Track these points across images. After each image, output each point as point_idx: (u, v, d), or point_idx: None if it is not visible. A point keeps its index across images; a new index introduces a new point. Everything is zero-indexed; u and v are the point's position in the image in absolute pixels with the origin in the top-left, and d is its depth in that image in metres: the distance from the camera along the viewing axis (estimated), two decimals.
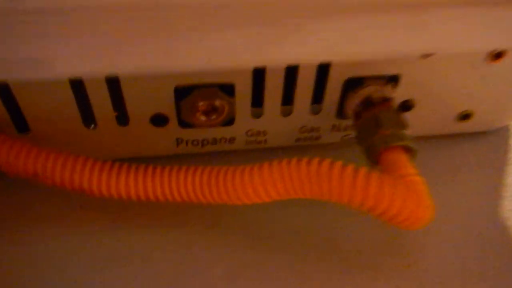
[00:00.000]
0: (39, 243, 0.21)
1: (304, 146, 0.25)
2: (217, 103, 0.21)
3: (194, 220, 0.22)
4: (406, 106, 0.23)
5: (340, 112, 0.23)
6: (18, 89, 0.19)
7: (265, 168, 0.17)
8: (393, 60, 0.21)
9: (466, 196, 0.24)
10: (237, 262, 0.21)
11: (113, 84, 0.19)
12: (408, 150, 0.20)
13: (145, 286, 0.20)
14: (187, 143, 0.23)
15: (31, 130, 0.21)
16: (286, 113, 0.22)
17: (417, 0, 0.16)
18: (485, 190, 0.24)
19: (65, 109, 0.20)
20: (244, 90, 0.21)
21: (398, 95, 0.22)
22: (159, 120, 0.22)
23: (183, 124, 0.22)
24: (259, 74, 0.20)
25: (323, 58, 0.18)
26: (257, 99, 0.22)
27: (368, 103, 0.21)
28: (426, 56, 0.21)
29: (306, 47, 0.17)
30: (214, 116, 0.21)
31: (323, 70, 0.21)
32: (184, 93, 0.20)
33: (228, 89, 0.21)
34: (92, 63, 0.16)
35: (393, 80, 0.22)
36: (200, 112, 0.21)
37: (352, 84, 0.21)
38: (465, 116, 0.24)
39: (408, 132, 0.20)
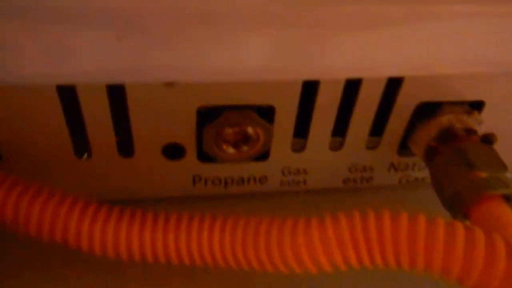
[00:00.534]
0: None
1: (350, 190, 0.20)
2: (251, 130, 0.16)
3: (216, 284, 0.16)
4: (487, 141, 0.18)
5: (404, 147, 0.18)
6: None
7: (328, 224, 0.12)
8: (478, 81, 0.16)
9: None
10: None
11: (117, 98, 0.14)
12: (509, 200, 0.15)
13: None
14: (206, 182, 0.18)
15: (1, 158, 0.16)
16: (336, 147, 0.18)
17: None
18: None
19: (49, 131, 0.15)
20: (286, 115, 0.16)
21: (481, 127, 0.17)
22: (173, 151, 0.16)
23: (204, 157, 0.17)
24: (308, 94, 0.15)
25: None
26: (301, 127, 0.17)
27: (446, 136, 0.16)
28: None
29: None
30: (245, 148, 0.16)
31: (391, 89, 0.16)
32: (209, 116, 0.15)
33: (265, 113, 0.16)
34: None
35: (477, 107, 0.17)
36: (228, 142, 0.16)
37: (425, 110, 0.17)
38: None
39: (509, 175, 0.15)
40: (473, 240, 0.12)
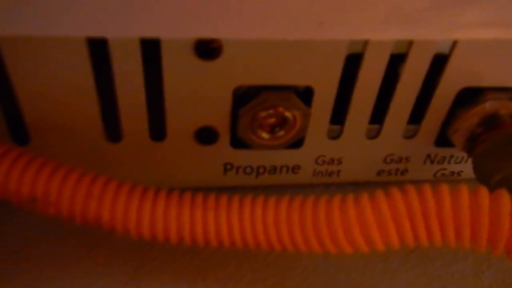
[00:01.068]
0: None
1: (383, 183, 0.19)
2: (288, 114, 0.15)
3: (250, 276, 0.16)
4: None
5: (442, 137, 0.17)
6: (20, 82, 0.14)
7: (381, 199, 0.11)
8: None
9: None
10: None
11: (153, 75, 0.14)
12: None
13: None
14: (237, 171, 0.17)
15: (31, 140, 0.15)
16: (372, 135, 0.17)
17: None
18: None
19: (81, 111, 0.15)
20: (324, 97, 0.15)
21: None
22: (206, 136, 0.16)
23: (237, 143, 0.16)
24: (347, 75, 0.15)
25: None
26: (338, 113, 0.16)
27: (490, 123, 0.16)
28: None
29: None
30: (281, 133, 0.16)
31: (434, 73, 0.15)
32: (245, 98, 0.15)
33: (303, 96, 0.15)
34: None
35: None
36: (263, 126, 0.15)
37: (467, 97, 0.16)
38: None
39: None
40: None
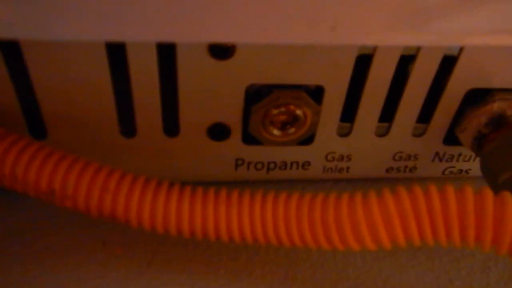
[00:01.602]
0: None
1: (392, 180, 0.19)
2: (299, 111, 0.16)
3: (260, 268, 0.16)
4: None
5: (451, 135, 0.17)
6: (39, 78, 0.14)
7: (388, 198, 0.12)
8: None
9: None
10: None
11: (167, 72, 0.14)
12: None
13: None
14: (248, 166, 0.18)
15: (48, 134, 0.16)
16: (382, 133, 0.17)
17: None
18: None
19: (97, 106, 0.15)
20: (335, 96, 0.16)
21: None
22: (218, 132, 0.16)
23: (249, 139, 0.17)
24: (358, 74, 0.15)
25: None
26: (348, 111, 0.16)
27: (497, 123, 0.16)
28: None
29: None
30: (292, 130, 0.16)
31: (443, 73, 0.15)
32: (257, 96, 0.15)
33: (314, 94, 0.15)
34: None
35: None
36: (274, 123, 0.16)
37: (475, 97, 0.16)
38: None
39: None
40: None
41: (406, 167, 0.19)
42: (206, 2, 0.10)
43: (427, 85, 0.16)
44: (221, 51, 0.14)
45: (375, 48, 0.14)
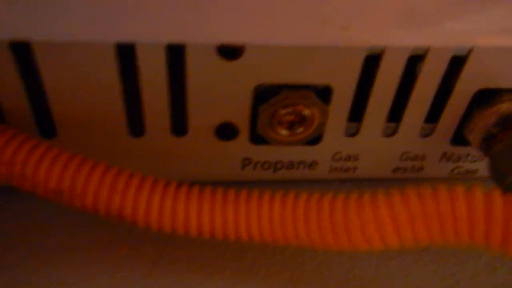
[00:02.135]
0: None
1: (399, 180, 0.19)
2: (307, 111, 0.16)
3: (266, 269, 0.16)
4: None
5: (459, 136, 0.17)
6: (49, 78, 0.14)
7: (396, 199, 0.12)
8: None
9: None
10: None
11: (176, 71, 0.14)
12: None
13: None
14: (255, 166, 0.18)
15: (58, 134, 0.16)
16: (389, 133, 0.17)
17: None
18: None
19: (105, 105, 0.15)
20: (343, 96, 0.16)
21: None
22: (226, 131, 0.16)
23: (256, 138, 0.17)
24: (366, 74, 0.15)
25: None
26: (356, 111, 0.16)
27: (506, 123, 0.16)
28: None
29: None
30: (299, 129, 0.16)
31: (452, 74, 0.15)
32: (264, 96, 0.15)
33: (322, 94, 0.15)
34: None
35: None
36: (282, 123, 0.16)
37: (484, 98, 0.16)
38: None
39: None
40: None
41: (413, 167, 0.19)
42: (217, 3, 0.10)
43: (436, 86, 0.16)
44: (229, 52, 0.14)
45: (383, 48, 0.14)
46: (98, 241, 0.17)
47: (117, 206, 0.14)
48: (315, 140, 0.17)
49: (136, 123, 0.16)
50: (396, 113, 0.17)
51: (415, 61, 0.15)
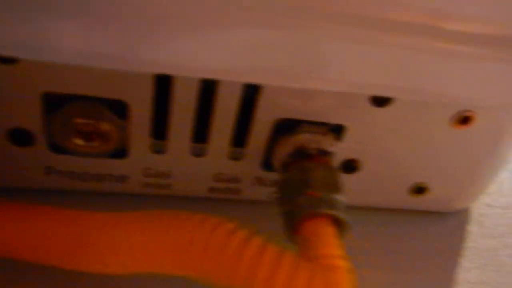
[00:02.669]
0: None
1: (222, 201, 0.19)
2: (103, 125, 0.15)
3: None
4: (350, 167, 0.18)
5: (267, 162, 0.18)
6: None
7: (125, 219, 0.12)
8: (338, 105, 0.16)
9: None
10: None
11: None
12: (339, 223, 0.15)
13: None
14: (60, 175, 0.17)
15: None
16: (198, 153, 0.17)
17: None
18: (430, 285, 0.19)
19: None
20: (141, 112, 0.16)
21: (341, 151, 0.18)
22: (20, 137, 0.16)
23: (54, 147, 0.16)
24: (163, 93, 0.15)
25: None
26: (160, 129, 0.16)
27: (300, 155, 0.16)
28: (381, 104, 0.16)
29: None
30: (96, 143, 0.16)
31: (250, 102, 0.16)
32: (57, 104, 0.15)
33: (119, 108, 0.15)
34: None
35: (337, 131, 0.17)
36: (77, 133, 0.15)
37: (284, 127, 0.17)
38: (419, 190, 0.20)
39: (343, 199, 0.15)
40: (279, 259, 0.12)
41: (229, 189, 0.19)
42: None
43: (234, 110, 0.16)
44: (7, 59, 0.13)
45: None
46: None
47: None
48: (120, 153, 0.17)
49: None
50: (202, 135, 0.17)
51: (210, 85, 0.15)
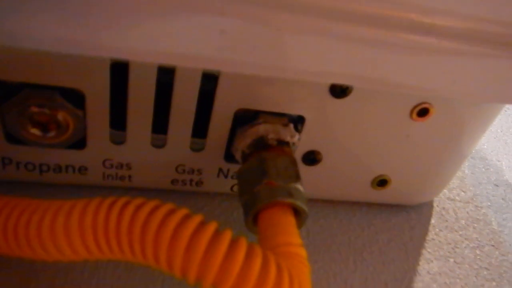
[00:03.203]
0: None
1: (187, 193, 0.19)
2: (59, 115, 0.15)
3: None
4: (311, 159, 0.18)
5: (229, 154, 0.18)
6: None
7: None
8: (298, 96, 0.16)
9: (368, 283, 0.19)
10: None
11: None
12: (298, 212, 0.15)
13: None
14: (18, 166, 0.17)
15: None
16: (158, 144, 0.17)
17: None
18: (392, 276, 0.19)
19: None
20: (98, 103, 0.15)
21: (302, 143, 0.18)
22: None
23: (11, 137, 0.16)
24: (120, 82, 0.15)
25: None
26: (119, 119, 0.16)
27: (260, 145, 0.16)
28: (340, 95, 0.16)
29: None
30: (52, 133, 0.16)
31: (209, 92, 0.16)
32: (10, 92, 0.15)
33: (75, 98, 0.15)
34: None
35: (298, 122, 0.17)
36: (33, 123, 0.15)
37: (244, 118, 0.17)
38: (381, 182, 0.20)
39: (301, 188, 0.15)
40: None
41: (191, 180, 0.19)
42: None
43: (193, 100, 0.16)
44: None
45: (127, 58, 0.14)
46: None
47: None
48: (79, 144, 0.17)
49: None
50: (162, 125, 0.17)
51: (168, 74, 0.15)
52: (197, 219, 0.12)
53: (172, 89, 0.16)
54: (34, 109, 0.15)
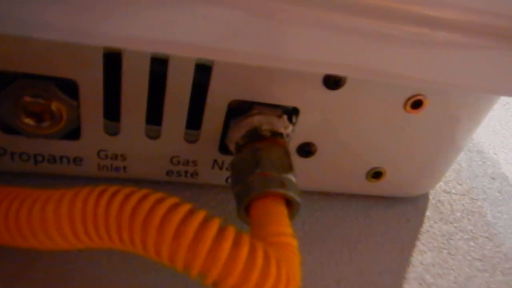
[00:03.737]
0: None
1: (182, 185, 0.19)
2: (53, 105, 0.15)
3: None
4: (306, 150, 0.19)
5: (224, 145, 0.18)
6: None
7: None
8: (292, 88, 0.17)
9: (363, 274, 0.19)
10: None
11: None
12: (290, 203, 0.15)
13: None
14: (12, 157, 0.17)
15: None
16: (152, 135, 0.17)
17: None
18: (385, 267, 0.19)
19: None
20: (92, 93, 0.15)
21: (297, 134, 0.18)
22: None
23: (6, 127, 0.16)
24: (114, 73, 0.15)
25: None
26: (113, 110, 0.16)
27: (254, 136, 0.16)
28: (334, 86, 0.16)
29: None
30: (46, 123, 0.16)
31: (203, 83, 0.16)
32: (4, 82, 0.15)
33: (69, 88, 0.15)
34: None
35: (292, 113, 0.17)
36: (27, 113, 0.15)
37: (238, 109, 0.17)
38: (375, 174, 0.20)
39: (294, 179, 0.15)
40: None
41: (186, 172, 0.19)
42: None
43: (187, 91, 0.16)
44: None
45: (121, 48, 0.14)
46: None
47: None
48: (73, 135, 0.17)
49: None
50: (156, 116, 0.17)
51: (162, 64, 0.15)
52: (185, 207, 0.12)
53: (166, 80, 0.16)
54: (28, 99, 0.15)
